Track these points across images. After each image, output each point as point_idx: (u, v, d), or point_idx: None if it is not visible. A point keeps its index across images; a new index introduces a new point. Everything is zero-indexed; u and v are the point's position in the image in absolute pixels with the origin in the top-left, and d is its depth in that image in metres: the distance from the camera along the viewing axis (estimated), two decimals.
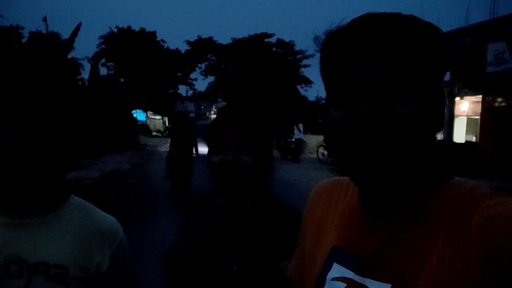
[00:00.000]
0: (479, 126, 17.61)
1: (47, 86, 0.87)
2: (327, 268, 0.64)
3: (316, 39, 0.60)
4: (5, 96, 0.85)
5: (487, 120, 15.96)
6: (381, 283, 0.55)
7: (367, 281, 0.57)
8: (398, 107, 0.53)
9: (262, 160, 1.02)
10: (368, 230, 0.60)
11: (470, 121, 19.50)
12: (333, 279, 0.62)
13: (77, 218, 0.95)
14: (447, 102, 0.64)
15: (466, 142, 17.78)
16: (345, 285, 0.60)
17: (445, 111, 0.61)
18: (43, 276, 0.86)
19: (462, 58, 15.80)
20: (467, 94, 17.27)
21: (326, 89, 0.59)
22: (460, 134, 18.70)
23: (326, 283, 0.63)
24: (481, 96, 16.57)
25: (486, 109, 16.30)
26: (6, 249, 0.85)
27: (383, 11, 0.57)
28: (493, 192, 0.53)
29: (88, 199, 1.04)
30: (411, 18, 0.57)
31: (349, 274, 0.60)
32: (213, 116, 1.21)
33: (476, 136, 18.58)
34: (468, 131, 19.51)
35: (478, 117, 17.96)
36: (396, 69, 0.53)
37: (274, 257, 0.94)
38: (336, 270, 0.62)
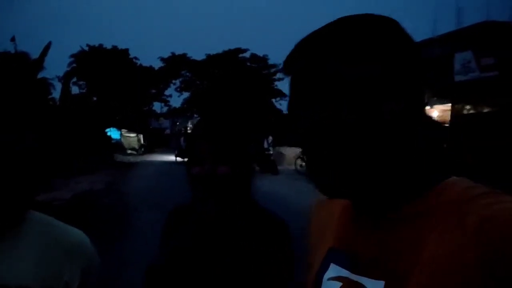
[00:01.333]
0: (448, 134, 18.16)
1: (12, 105, 0.81)
2: (324, 269, 0.64)
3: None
4: None
5: (456, 128, 16.47)
6: (375, 281, 0.55)
7: (362, 279, 0.57)
8: (377, 108, 0.53)
9: (241, 170, 1.02)
10: (363, 229, 0.60)
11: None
12: (329, 279, 0.63)
13: (40, 233, 0.87)
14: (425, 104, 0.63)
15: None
16: (340, 284, 0.60)
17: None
18: None
19: (430, 68, 16.34)
20: (436, 103, 17.81)
21: (296, 90, 0.58)
22: None
23: (322, 284, 0.63)
24: (450, 104, 17.12)
25: (455, 117, 16.83)
26: None
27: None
28: (489, 191, 0.52)
29: (61, 220, 0.95)
30: (383, 19, 0.57)
31: (345, 273, 0.60)
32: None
33: (445, 144, 19.15)
34: None
35: (447, 125, 18.53)
36: (377, 70, 0.53)
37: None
38: (332, 270, 0.62)
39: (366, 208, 0.60)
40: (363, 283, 0.57)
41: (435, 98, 17.39)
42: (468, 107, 16.32)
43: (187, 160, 1.05)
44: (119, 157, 24.63)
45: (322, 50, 0.55)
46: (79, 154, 14.71)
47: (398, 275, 0.53)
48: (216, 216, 1.02)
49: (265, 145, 17.97)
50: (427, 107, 18.18)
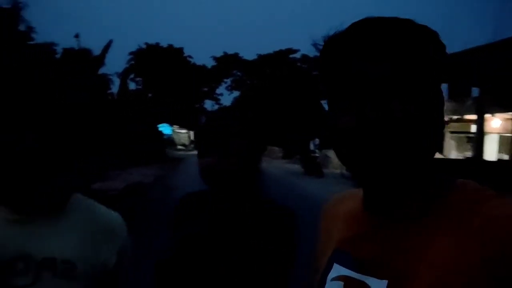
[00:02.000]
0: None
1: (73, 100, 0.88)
2: (328, 269, 0.65)
3: (315, 45, 0.62)
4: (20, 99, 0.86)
5: None
6: (378, 280, 0.56)
7: (365, 278, 0.58)
8: (399, 107, 0.54)
9: (247, 164, 1.08)
10: (369, 230, 0.61)
11: (502, 139, 18.89)
12: (333, 279, 0.63)
13: (83, 215, 0.94)
14: (445, 106, 0.62)
15: (499, 160, 17.18)
16: (342, 283, 0.61)
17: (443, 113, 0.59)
18: (50, 272, 0.85)
19: (492, 73, 15.38)
20: (498, 111, 16.77)
21: (327, 91, 0.60)
22: (492, 152, 18.11)
23: (326, 284, 0.64)
24: None
25: None
26: (13, 245, 0.84)
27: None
28: (496, 194, 0.53)
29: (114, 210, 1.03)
30: (409, 21, 0.57)
31: (348, 272, 0.61)
32: None
33: (510, 155, 17.92)
34: (500, 149, 18.87)
35: (510, 134, 17.36)
36: (398, 69, 0.54)
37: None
38: (336, 270, 0.63)
39: (381, 207, 0.60)
40: (366, 282, 0.58)
41: (497, 106, 16.38)
42: None
43: (197, 152, 1.12)
44: (170, 152, 25.41)
45: (347, 49, 0.56)
46: (133, 148, 15.36)
47: (402, 274, 0.53)
48: (222, 206, 1.09)
49: (312, 147, 17.82)
50: (488, 115, 17.15)
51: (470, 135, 19.65)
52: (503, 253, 0.46)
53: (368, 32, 0.55)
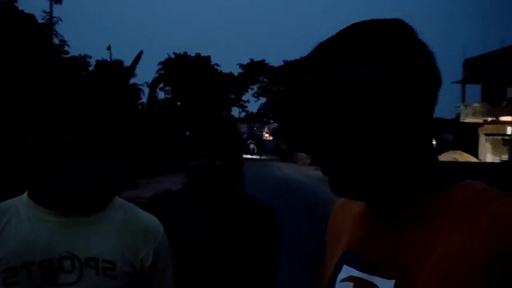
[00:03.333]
0: None
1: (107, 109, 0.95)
2: (337, 270, 0.66)
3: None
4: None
5: None
6: (386, 280, 0.56)
7: (373, 279, 0.58)
8: (381, 107, 0.54)
9: (232, 165, 1.18)
10: (376, 231, 0.61)
11: None
12: (342, 280, 0.64)
13: (122, 217, 1.01)
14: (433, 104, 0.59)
15: None
16: (352, 284, 0.62)
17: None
18: (93, 271, 0.92)
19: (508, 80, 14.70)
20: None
21: (310, 94, 0.63)
22: None
23: (336, 285, 0.65)
24: None
25: None
26: (61, 246, 0.92)
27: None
28: (502, 193, 0.53)
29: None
30: (393, 22, 0.57)
31: (357, 273, 0.61)
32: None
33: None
34: None
35: None
36: (382, 70, 0.54)
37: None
38: (345, 271, 0.64)
39: (380, 209, 0.61)
40: (374, 282, 0.58)
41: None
42: None
43: (187, 155, 1.24)
44: None
45: (330, 55, 0.57)
46: (162, 156, 15.65)
47: (409, 274, 0.54)
48: (213, 203, 1.18)
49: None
50: (501, 117, 16.41)
51: (506, 137, 18.89)
52: (506, 253, 0.46)
53: (352, 37, 0.57)
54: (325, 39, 0.59)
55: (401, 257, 0.56)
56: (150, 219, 1.06)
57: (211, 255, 1.13)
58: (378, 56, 0.55)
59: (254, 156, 34.51)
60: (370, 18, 0.58)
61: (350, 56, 0.56)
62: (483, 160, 18.77)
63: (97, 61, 18.30)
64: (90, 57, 18.34)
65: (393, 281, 0.55)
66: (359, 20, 0.59)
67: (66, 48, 15.39)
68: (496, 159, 19.40)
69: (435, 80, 0.58)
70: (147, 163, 13.58)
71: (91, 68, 17.62)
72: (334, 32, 0.58)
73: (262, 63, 38.85)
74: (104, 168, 0.96)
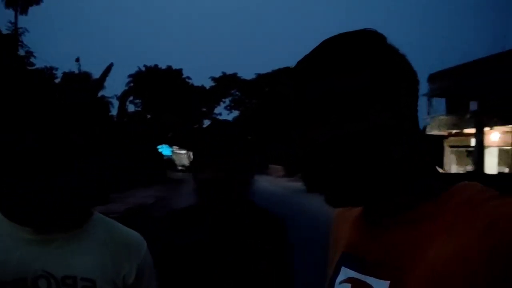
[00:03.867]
0: (511, 157, 16.99)
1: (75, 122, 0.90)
2: (336, 273, 0.66)
3: None
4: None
5: None
6: (381, 281, 0.57)
7: (369, 279, 0.59)
8: (358, 119, 0.55)
9: (240, 177, 1.13)
10: (373, 232, 0.62)
11: (501, 152, 18.89)
12: (341, 282, 0.64)
13: (103, 232, 0.97)
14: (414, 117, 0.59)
15: (499, 173, 17.13)
16: (350, 285, 0.62)
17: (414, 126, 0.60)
18: None
19: (490, 87, 15.49)
20: (497, 124, 16.82)
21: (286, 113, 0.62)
22: (492, 166, 18.09)
23: (335, 287, 0.66)
24: None
25: None
26: (35, 265, 0.87)
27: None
28: (500, 195, 0.53)
29: None
30: (365, 34, 0.57)
31: (354, 274, 0.62)
32: None
33: (509, 167, 17.89)
34: (500, 162, 18.86)
35: (510, 147, 17.37)
36: (358, 82, 0.55)
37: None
38: (344, 273, 0.64)
39: (375, 212, 0.62)
40: (370, 283, 0.59)
41: (495, 119, 16.44)
42: None
43: (193, 167, 1.18)
44: (170, 173, 25.37)
45: (304, 73, 0.57)
46: (132, 170, 15.35)
47: (403, 274, 0.54)
48: (221, 214, 1.15)
49: None
50: (487, 129, 17.21)
51: (470, 148, 19.66)
52: (503, 254, 0.46)
53: (325, 52, 0.57)
54: (302, 57, 0.60)
55: (396, 258, 0.56)
56: (133, 235, 1.02)
57: (212, 259, 1.11)
58: (357, 68, 0.55)
59: None
60: (337, 33, 0.58)
61: (324, 72, 0.56)
62: (448, 171, 19.42)
63: (64, 73, 17.87)
64: (56, 69, 17.88)
65: (388, 282, 0.56)
66: (330, 33, 0.59)
67: (32, 59, 14.97)
68: (461, 170, 20.14)
69: (414, 89, 0.58)
70: (119, 176, 13.27)
71: (57, 80, 17.17)
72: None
73: (234, 76, 39.06)
74: (84, 180, 0.91)
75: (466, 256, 0.48)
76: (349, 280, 0.63)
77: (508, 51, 15.94)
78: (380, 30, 0.58)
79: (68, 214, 0.92)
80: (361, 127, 0.54)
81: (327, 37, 0.59)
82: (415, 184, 0.58)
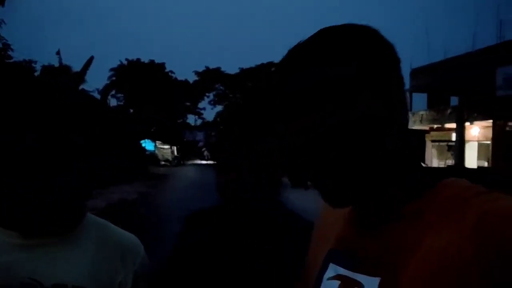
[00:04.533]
0: (490, 151, 17.39)
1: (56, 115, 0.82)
2: (323, 269, 0.65)
3: None
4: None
5: (499, 145, 15.76)
6: (371, 278, 0.56)
7: (359, 277, 0.58)
8: (352, 111, 0.53)
9: (264, 177, 1.08)
10: (363, 229, 0.62)
11: (481, 146, 19.32)
12: (329, 278, 0.64)
13: (96, 236, 0.89)
14: (407, 109, 0.57)
15: (479, 167, 17.52)
16: (339, 282, 0.61)
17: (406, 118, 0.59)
18: None
19: (470, 83, 15.79)
20: (477, 119, 17.17)
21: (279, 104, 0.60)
22: (471, 160, 18.49)
23: (322, 284, 0.64)
24: (491, 120, 16.45)
25: (498, 133, 16.13)
26: (22, 271, 0.78)
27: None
28: (488, 190, 0.53)
29: None
30: (359, 27, 0.57)
31: (343, 271, 0.61)
32: None
33: (488, 161, 18.33)
34: (479, 156, 19.30)
35: (489, 142, 17.78)
36: (350, 73, 0.54)
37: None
38: (332, 270, 0.64)
39: (365, 208, 0.61)
40: (359, 281, 0.58)
41: (475, 114, 16.77)
42: (511, 123, 15.60)
43: (215, 167, 1.12)
44: (153, 169, 25.15)
45: (297, 61, 0.56)
46: (114, 165, 15.14)
47: (394, 271, 0.54)
48: (245, 221, 1.07)
49: None
50: (467, 123, 17.56)
51: (451, 143, 20.05)
52: (494, 248, 0.46)
53: (320, 42, 0.56)
54: (294, 46, 0.58)
55: (386, 254, 0.56)
56: (128, 238, 0.94)
57: (210, 259, 1.06)
58: (350, 58, 0.54)
59: (209, 162, 35.77)
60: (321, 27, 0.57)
61: (318, 60, 0.55)
62: (429, 165, 19.76)
63: (43, 66, 17.44)
64: (35, 62, 17.42)
65: (378, 278, 0.55)
66: (314, 28, 0.58)
67: (10, 52, 14.54)
68: (441, 164, 20.54)
69: (402, 83, 0.58)
70: (100, 172, 13.06)
71: (36, 74, 16.75)
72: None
73: (217, 70, 38.87)
74: (76, 179, 0.82)
75: (457, 252, 0.48)
76: (338, 277, 0.62)
77: (489, 47, 16.25)
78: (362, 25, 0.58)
79: (62, 216, 0.83)
80: (355, 116, 0.53)
81: (311, 31, 0.57)
82: (406, 179, 0.58)
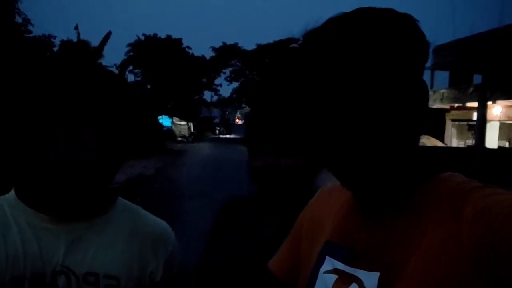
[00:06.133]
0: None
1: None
2: (320, 262, 0.65)
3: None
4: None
5: None
6: (370, 273, 0.56)
7: (357, 272, 0.58)
8: (384, 100, 0.54)
9: (304, 163, 0.98)
10: (360, 222, 0.61)
11: (503, 126, 18.82)
12: (325, 272, 0.63)
13: (127, 222, 0.86)
14: (430, 95, 0.63)
15: (499, 148, 17.13)
16: (336, 277, 0.61)
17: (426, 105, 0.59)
18: None
19: (495, 60, 15.26)
20: (499, 98, 16.66)
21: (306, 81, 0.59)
22: (493, 140, 18.07)
23: (318, 277, 0.63)
24: None
25: None
26: (54, 259, 0.77)
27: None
28: (484, 185, 0.53)
29: None
30: (399, 15, 0.56)
31: (340, 266, 0.61)
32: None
33: (509, 142, 17.89)
34: (501, 136, 18.83)
35: (511, 121, 17.30)
36: (385, 63, 0.53)
37: None
38: (328, 263, 0.63)
39: (366, 203, 0.61)
40: (357, 276, 0.57)
41: (498, 93, 16.26)
42: None
43: (248, 152, 1.03)
44: (170, 144, 25.40)
45: (334, 42, 0.54)
46: (132, 140, 15.34)
47: (394, 266, 0.53)
48: (277, 208, 0.99)
49: None
50: (489, 102, 17.06)
51: (471, 122, 19.58)
52: (491, 242, 0.46)
53: (358, 26, 0.54)
54: (326, 22, 0.57)
55: (386, 249, 0.55)
56: (159, 224, 0.91)
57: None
58: (388, 39, 0.53)
59: (222, 136, 40.01)
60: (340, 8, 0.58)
61: (361, 34, 0.54)
62: (448, 145, 19.42)
63: (62, 41, 17.54)
64: (54, 37, 17.52)
65: (378, 274, 0.55)
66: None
67: (29, 27, 14.63)
68: (461, 144, 20.14)
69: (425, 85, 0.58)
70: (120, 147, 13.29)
71: (55, 49, 16.88)
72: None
73: (235, 46, 38.45)
74: (107, 158, 0.78)
75: (456, 248, 0.48)
76: (335, 271, 0.61)
77: None
78: (384, 4, 0.58)
79: (92, 199, 0.81)
80: (387, 92, 0.53)
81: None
82: (410, 167, 0.58)
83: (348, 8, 0.58)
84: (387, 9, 0.57)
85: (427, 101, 0.58)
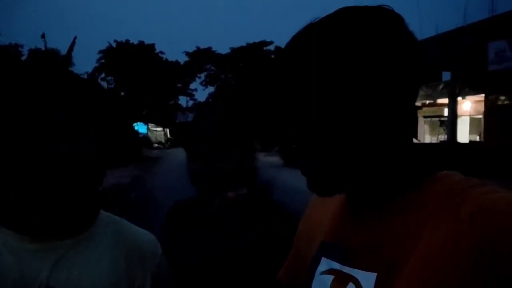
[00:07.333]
0: (482, 126, 17.49)
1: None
2: (316, 263, 0.64)
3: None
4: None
5: (491, 119, 15.84)
6: (367, 272, 0.55)
7: (354, 271, 0.57)
8: (366, 100, 0.53)
9: (242, 166, 1.00)
10: (356, 222, 0.61)
11: (473, 121, 19.43)
12: (322, 272, 0.63)
13: (112, 236, 0.83)
14: (408, 97, 0.57)
15: (470, 142, 17.66)
16: (332, 277, 0.60)
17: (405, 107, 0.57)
18: None
19: (462, 57, 15.76)
20: (469, 93, 17.18)
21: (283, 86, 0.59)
22: (463, 134, 18.62)
23: (315, 278, 0.63)
24: (483, 95, 16.48)
25: (489, 108, 16.19)
26: (37, 279, 0.73)
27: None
28: (481, 183, 0.53)
29: None
30: (384, 12, 0.55)
31: (337, 266, 0.60)
32: None
33: (480, 136, 18.47)
34: (471, 131, 19.43)
35: (481, 116, 17.85)
36: (368, 64, 0.53)
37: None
38: (324, 264, 0.62)
39: (360, 201, 0.60)
40: (355, 276, 0.57)
41: (467, 89, 16.78)
42: (502, 98, 15.65)
43: (188, 157, 1.04)
44: (146, 151, 25.06)
45: (315, 44, 0.54)
46: (107, 149, 15.07)
47: (392, 266, 0.53)
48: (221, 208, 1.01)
49: None
50: (459, 98, 17.60)
51: (443, 118, 20.13)
52: (490, 241, 0.46)
53: (340, 26, 0.54)
54: (310, 24, 0.56)
55: (384, 249, 0.54)
56: (145, 236, 0.88)
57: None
58: (369, 38, 0.53)
59: None
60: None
61: (344, 40, 0.53)
62: (421, 141, 19.89)
63: (30, 49, 17.12)
64: (22, 46, 17.09)
65: (375, 274, 0.54)
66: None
67: None
68: (434, 139, 20.66)
69: (417, 68, 0.57)
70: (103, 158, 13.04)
71: (23, 58, 16.43)
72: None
73: (208, 50, 38.35)
74: (91, 170, 0.76)
75: (454, 246, 0.48)
76: (331, 271, 0.60)
77: (480, 21, 16.13)
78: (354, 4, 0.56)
79: (74, 215, 0.78)
80: (368, 100, 0.53)
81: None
82: (405, 166, 0.57)
83: (315, 10, 0.58)
84: (370, 8, 0.55)
85: (414, 101, 0.57)
